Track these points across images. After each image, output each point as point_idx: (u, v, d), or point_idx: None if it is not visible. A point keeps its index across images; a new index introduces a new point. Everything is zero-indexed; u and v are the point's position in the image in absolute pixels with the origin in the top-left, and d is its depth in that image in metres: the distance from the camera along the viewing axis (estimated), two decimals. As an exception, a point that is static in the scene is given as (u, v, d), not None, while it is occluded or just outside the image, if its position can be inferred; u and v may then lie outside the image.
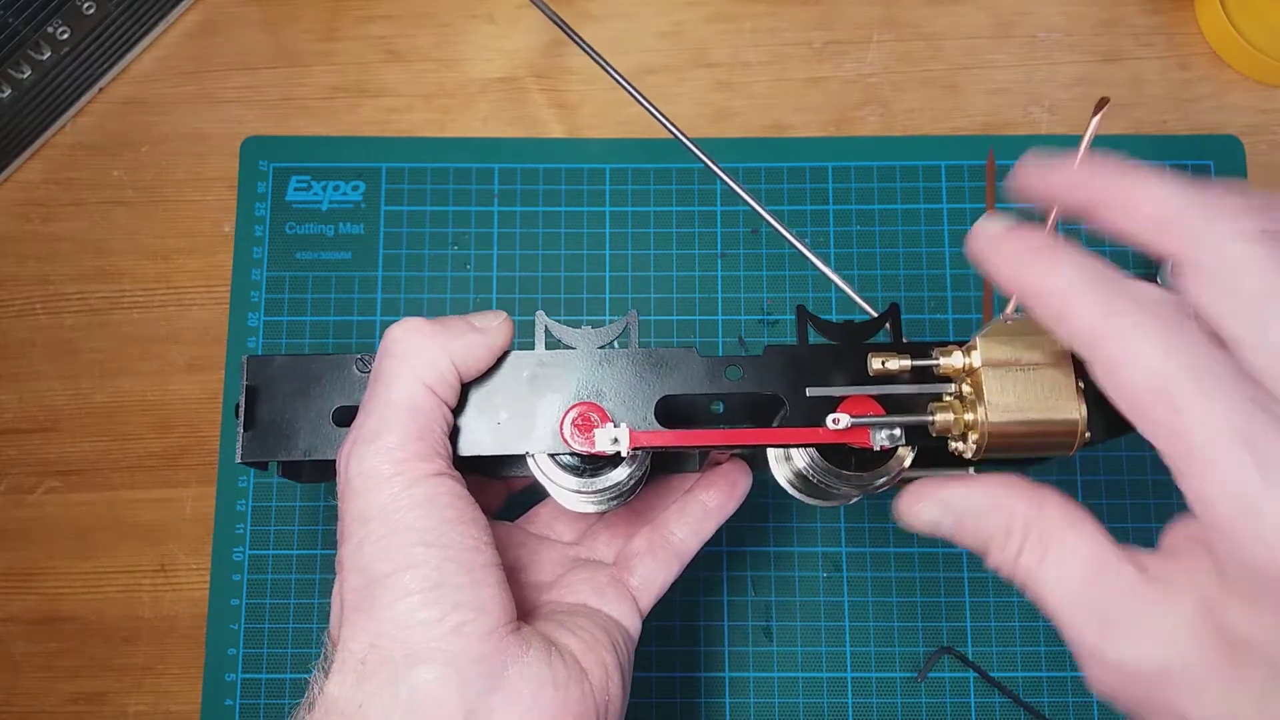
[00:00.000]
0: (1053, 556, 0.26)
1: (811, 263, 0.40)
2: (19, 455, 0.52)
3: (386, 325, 0.52)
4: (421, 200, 0.54)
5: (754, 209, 0.41)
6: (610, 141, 0.55)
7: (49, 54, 0.52)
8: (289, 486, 0.51)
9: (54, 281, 0.54)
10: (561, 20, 0.45)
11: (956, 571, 0.50)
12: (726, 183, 0.41)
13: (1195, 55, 0.56)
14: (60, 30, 0.51)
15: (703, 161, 0.41)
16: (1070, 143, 0.54)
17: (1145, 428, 0.23)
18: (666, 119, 0.42)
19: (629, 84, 0.43)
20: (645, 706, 0.49)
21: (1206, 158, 0.54)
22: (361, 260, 0.53)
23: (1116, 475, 0.50)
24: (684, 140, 0.42)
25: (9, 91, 0.52)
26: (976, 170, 0.54)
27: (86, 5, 0.52)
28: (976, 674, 0.48)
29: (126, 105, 0.56)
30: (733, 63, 0.56)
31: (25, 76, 0.52)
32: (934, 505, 0.29)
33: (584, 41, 0.44)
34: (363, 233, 0.54)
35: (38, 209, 0.55)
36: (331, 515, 0.51)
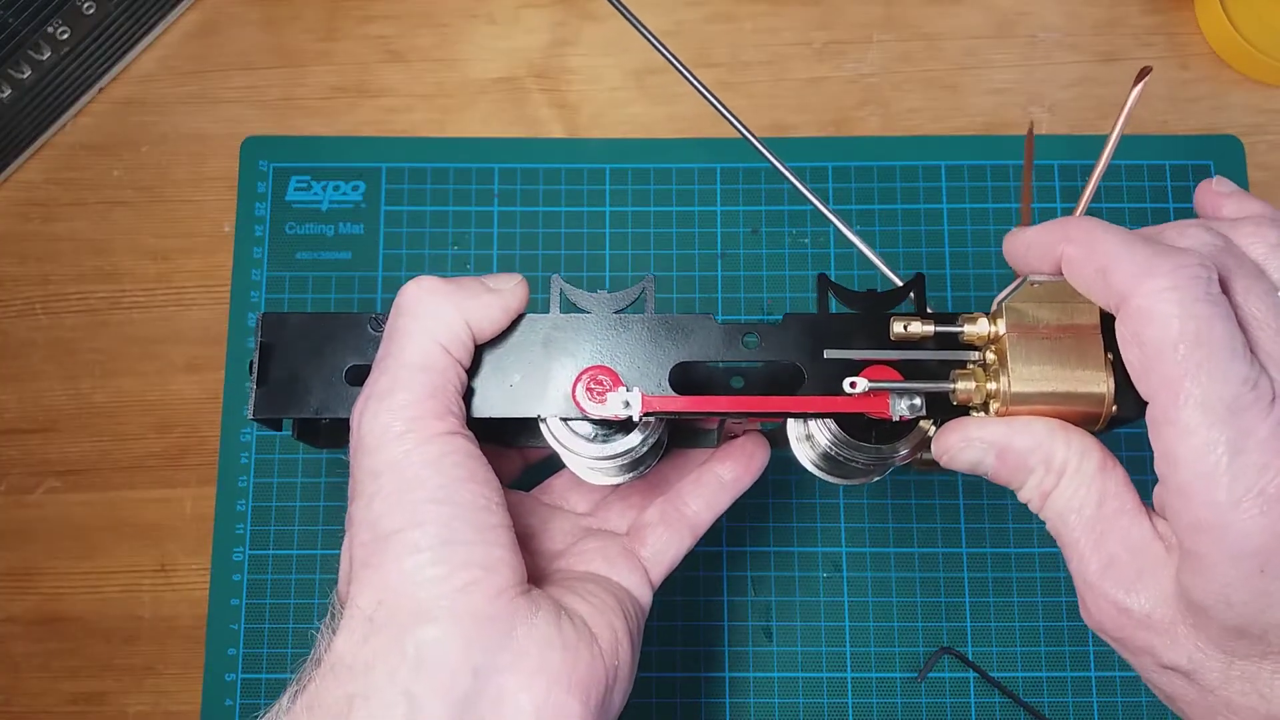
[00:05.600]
0: (1080, 496, 0.28)
1: (872, 260, 0.39)
2: (19, 455, 0.52)
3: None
4: (421, 200, 0.54)
5: (817, 207, 0.39)
6: (610, 142, 0.55)
7: (49, 54, 0.52)
8: (289, 486, 0.51)
9: (54, 281, 0.54)
10: (636, 19, 0.44)
11: (957, 572, 0.50)
12: (792, 182, 0.39)
13: (1195, 55, 0.56)
14: (60, 30, 0.51)
15: (769, 160, 0.39)
16: (1068, 142, 0.54)
17: (1147, 383, 0.25)
18: (736, 118, 0.41)
19: (701, 83, 0.41)
20: (646, 707, 0.49)
21: (1206, 158, 0.54)
22: (361, 260, 0.53)
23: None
24: (753, 140, 0.39)
25: (9, 91, 0.52)
26: (977, 170, 0.54)
27: (86, 5, 0.52)
28: (976, 674, 0.48)
29: (126, 105, 0.56)
30: (733, 62, 0.56)
31: (25, 76, 0.52)
32: (978, 445, 0.30)
33: (659, 41, 0.43)
34: (363, 233, 0.54)
35: (38, 209, 0.55)
36: (332, 515, 0.51)
